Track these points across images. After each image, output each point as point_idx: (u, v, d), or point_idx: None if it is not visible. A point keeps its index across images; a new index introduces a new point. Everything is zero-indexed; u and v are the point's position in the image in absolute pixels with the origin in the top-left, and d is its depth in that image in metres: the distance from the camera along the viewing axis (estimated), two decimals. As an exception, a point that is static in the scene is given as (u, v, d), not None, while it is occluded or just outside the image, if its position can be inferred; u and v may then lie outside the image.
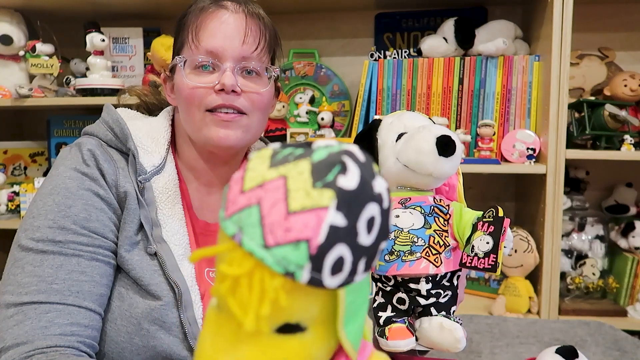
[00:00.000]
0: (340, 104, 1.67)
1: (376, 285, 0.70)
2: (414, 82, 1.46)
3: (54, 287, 0.66)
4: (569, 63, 1.29)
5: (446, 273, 0.66)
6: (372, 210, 0.31)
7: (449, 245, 0.66)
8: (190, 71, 0.77)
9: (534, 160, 1.36)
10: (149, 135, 0.80)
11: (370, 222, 0.31)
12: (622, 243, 1.44)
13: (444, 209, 0.68)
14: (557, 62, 1.29)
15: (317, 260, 0.29)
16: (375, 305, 0.69)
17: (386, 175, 0.70)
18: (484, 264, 0.60)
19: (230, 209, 0.31)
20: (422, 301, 0.66)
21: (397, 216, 0.66)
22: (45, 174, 1.79)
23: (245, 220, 0.30)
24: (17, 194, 1.65)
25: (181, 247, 0.76)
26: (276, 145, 0.34)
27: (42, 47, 1.58)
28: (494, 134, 1.39)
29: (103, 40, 1.54)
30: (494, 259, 0.60)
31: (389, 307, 0.68)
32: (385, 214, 0.32)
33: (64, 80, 1.68)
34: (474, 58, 1.43)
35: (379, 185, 0.32)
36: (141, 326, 0.70)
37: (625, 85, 1.41)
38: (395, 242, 0.65)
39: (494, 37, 1.42)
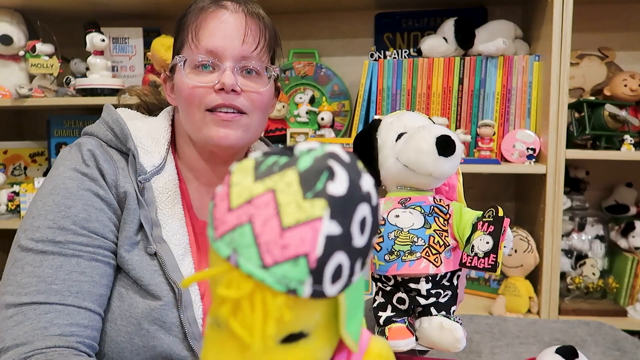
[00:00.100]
0: (340, 104, 1.67)
1: (376, 285, 0.70)
2: (414, 82, 1.46)
3: (53, 287, 0.66)
4: (569, 63, 1.29)
5: (446, 273, 0.66)
6: (363, 210, 0.31)
7: (449, 245, 0.66)
8: (190, 71, 0.77)
9: (534, 160, 1.35)
10: (149, 135, 0.80)
11: (363, 223, 0.31)
12: (622, 243, 1.44)
13: (444, 209, 0.68)
14: (557, 62, 1.28)
15: (317, 273, 0.29)
16: (375, 305, 0.69)
17: (386, 175, 0.70)
18: (483, 263, 0.60)
19: (220, 228, 0.31)
20: (422, 301, 0.66)
21: (397, 216, 0.66)
22: (45, 174, 1.79)
23: (238, 240, 0.29)
24: (17, 194, 1.65)
25: (181, 247, 0.76)
26: (257, 154, 0.33)
27: (42, 47, 1.57)
28: (494, 134, 1.39)
29: (103, 40, 1.54)
30: (494, 259, 0.60)
31: (389, 307, 0.68)
32: (374, 210, 0.32)
33: (64, 80, 1.68)
34: (474, 58, 1.43)
35: (366, 183, 0.32)
36: (141, 326, 0.70)
37: (625, 85, 1.41)
38: (395, 242, 0.65)
39: (494, 37, 1.42)
